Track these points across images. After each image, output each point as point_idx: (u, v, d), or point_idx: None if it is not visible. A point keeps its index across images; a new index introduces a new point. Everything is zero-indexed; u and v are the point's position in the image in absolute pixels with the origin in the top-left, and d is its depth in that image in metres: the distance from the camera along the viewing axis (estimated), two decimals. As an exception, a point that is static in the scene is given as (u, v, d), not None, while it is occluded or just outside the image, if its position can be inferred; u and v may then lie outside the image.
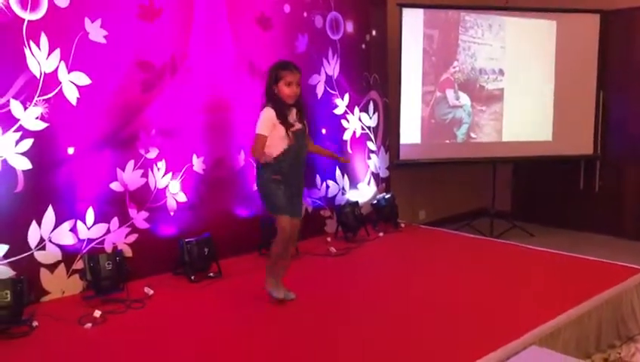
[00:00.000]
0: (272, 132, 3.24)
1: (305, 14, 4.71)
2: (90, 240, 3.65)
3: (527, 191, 6.68)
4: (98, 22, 3.58)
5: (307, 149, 3.45)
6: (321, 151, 3.92)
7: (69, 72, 3.48)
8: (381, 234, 4.99)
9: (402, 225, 5.24)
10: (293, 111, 3.33)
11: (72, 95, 3.51)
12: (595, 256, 4.27)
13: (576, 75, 5.81)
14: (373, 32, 5.28)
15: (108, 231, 3.73)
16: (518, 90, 5.76)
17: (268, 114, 3.24)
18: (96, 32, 3.58)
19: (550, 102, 5.83)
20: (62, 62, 3.45)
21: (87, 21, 3.53)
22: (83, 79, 3.54)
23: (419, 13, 5.40)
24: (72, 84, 3.50)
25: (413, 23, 5.38)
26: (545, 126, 5.86)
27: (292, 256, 3.58)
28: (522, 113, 5.80)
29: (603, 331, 3.34)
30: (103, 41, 3.61)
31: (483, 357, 2.62)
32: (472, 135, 5.70)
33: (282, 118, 3.25)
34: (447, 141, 5.63)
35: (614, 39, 5.79)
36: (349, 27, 5.06)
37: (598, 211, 6.07)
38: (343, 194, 5.13)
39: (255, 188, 3.50)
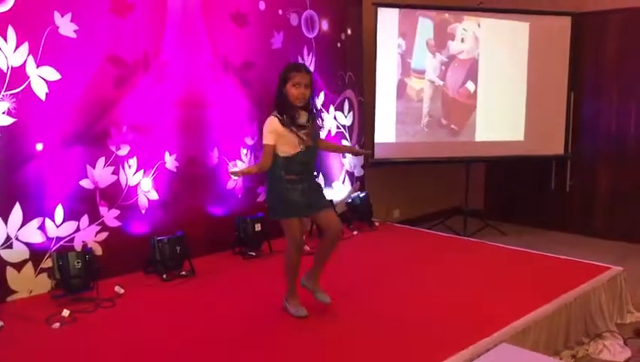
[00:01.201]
0: (279, 140, 3.10)
1: (280, 12, 4.69)
2: (59, 239, 3.58)
3: (500, 191, 6.76)
4: (68, 16, 3.51)
5: (317, 151, 3.31)
6: (336, 148, 3.88)
7: (37, 67, 3.41)
8: (355, 232, 5.00)
9: (377, 223, 5.26)
10: (303, 113, 3.17)
11: (40, 90, 3.44)
12: (566, 254, 4.34)
13: (548, 76, 5.89)
14: (349, 31, 5.29)
15: (77, 229, 3.66)
16: (491, 90, 5.81)
17: (269, 123, 3.11)
18: (66, 26, 3.51)
19: (522, 103, 5.91)
20: (30, 56, 3.37)
21: (56, 15, 3.46)
22: (52, 74, 3.48)
23: (394, 12, 5.42)
24: (40, 78, 3.43)
25: (388, 22, 5.39)
26: (517, 126, 5.94)
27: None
28: (495, 113, 5.86)
29: (572, 328, 3.39)
30: (74, 35, 3.55)
31: (454, 355, 2.64)
32: (443, 121, 5.71)
33: (290, 121, 3.10)
34: (421, 134, 5.66)
35: (585, 41, 5.89)
36: (325, 25, 5.06)
37: (569, 210, 6.17)
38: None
39: (265, 193, 3.34)
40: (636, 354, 3.34)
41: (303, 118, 3.16)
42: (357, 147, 5.45)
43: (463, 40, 5.71)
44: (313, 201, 3.21)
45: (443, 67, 5.66)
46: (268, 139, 3.11)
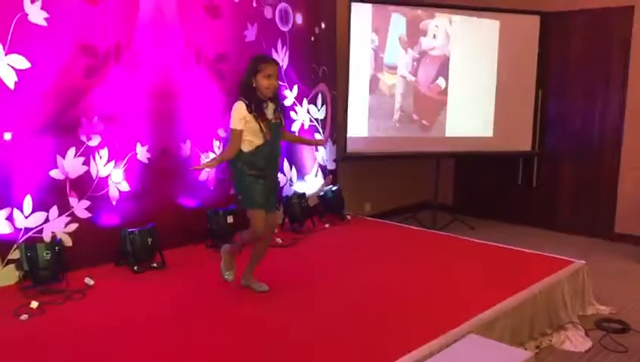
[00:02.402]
0: (245, 126, 3.17)
1: (254, 4, 4.68)
2: (27, 229, 3.53)
3: (469, 186, 6.88)
4: (38, 3, 3.45)
5: (279, 146, 3.39)
6: (295, 139, 3.90)
7: (6, 55, 3.35)
8: (327, 225, 5.05)
9: (348, 216, 5.31)
10: (270, 105, 3.25)
11: (9, 79, 3.37)
12: (531, 248, 4.45)
13: (517, 73, 6.02)
14: (323, 25, 5.31)
15: (47, 220, 3.62)
16: (462, 86, 5.91)
17: (237, 108, 3.18)
18: (36, 13, 3.45)
19: (492, 100, 6.02)
20: (-2, 44, 3.31)
21: (26, 2, 3.40)
22: (22, 62, 3.41)
23: (367, 7, 5.46)
24: (9, 67, 3.37)
25: (361, 17, 5.43)
26: (486, 122, 6.05)
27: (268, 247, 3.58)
28: (465, 109, 5.96)
29: (536, 320, 3.49)
30: (44, 23, 3.48)
31: (423, 346, 2.69)
32: (415, 116, 5.78)
33: (257, 111, 3.18)
34: (393, 129, 5.72)
35: (553, 40, 6.03)
36: (299, 19, 5.06)
37: (536, 205, 6.32)
38: (290, 185, 5.14)
39: (230, 181, 3.44)
40: (597, 345, 3.45)
41: (269, 109, 3.24)
42: (329, 141, 5.49)
43: (434, 36, 5.78)
44: (270, 200, 3.34)
45: (415, 63, 5.73)
46: (236, 124, 3.17)
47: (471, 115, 6.01)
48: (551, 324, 3.60)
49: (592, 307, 3.99)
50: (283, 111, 3.41)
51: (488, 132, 6.06)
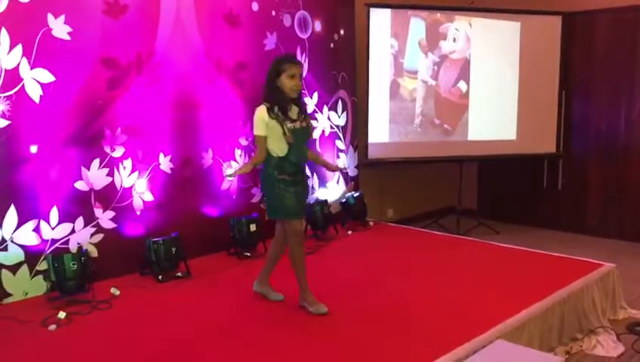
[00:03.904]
0: (268, 131, 3.12)
1: (273, 13, 4.70)
2: (54, 241, 3.58)
3: (493, 190, 6.80)
4: (62, 18, 3.51)
5: (306, 150, 3.31)
6: (316, 159, 3.64)
7: (31, 69, 3.41)
8: (350, 232, 5.02)
9: (371, 223, 5.28)
10: (294, 107, 3.20)
11: (34, 92, 3.44)
12: (558, 252, 4.37)
13: (539, 75, 5.94)
14: (342, 32, 5.31)
15: (73, 231, 3.66)
16: (483, 89, 5.85)
17: (258, 113, 3.14)
18: (59, 28, 3.51)
19: (514, 102, 5.95)
20: (24, 58, 3.37)
21: (50, 17, 3.46)
22: (46, 76, 3.47)
23: (386, 12, 5.45)
24: (34, 81, 3.43)
25: (380, 23, 5.42)
26: (509, 125, 5.98)
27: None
28: (487, 112, 5.90)
29: (565, 325, 3.42)
30: (67, 37, 3.54)
31: (450, 351, 2.66)
32: (436, 121, 5.75)
33: (282, 112, 3.13)
34: (414, 134, 5.69)
35: (575, 40, 5.94)
36: (318, 26, 5.07)
37: (561, 208, 6.22)
38: (312, 192, 5.14)
39: (260, 191, 3.34)
40: (629, 349, 3.37)
41: (293, 112, 3.20)
42: (351, 148, 5.48)
43: (454, 40, 5.74)
44: (303, 207, 3.30)
45: (435, 67, 5.69)
46: (259, 130, 3.13)
47: (493, 118, 5.94)
48: (581, 329, 3.53)
49: (624, 311, 3.90)
50: (307, 113, 3.30)
51: (511, 135, 5.99)
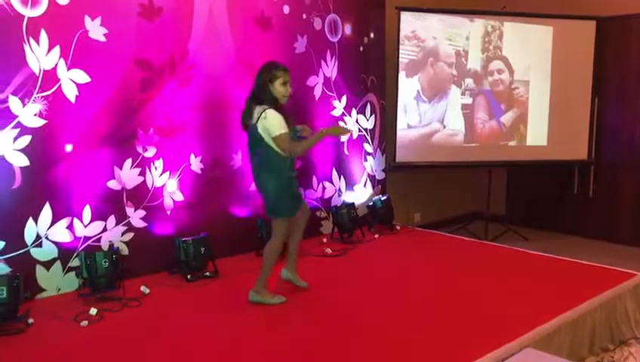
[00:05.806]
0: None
1: (304, 16, 4.73)
2: (86, 238, 3.65)
3: (522, 195, 6.71)
4: (98, 20, 3.58)
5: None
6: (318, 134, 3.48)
7: (68, 70, 3.49)
8: (376, 235, 5.01)
9: (397, 227, 5.26)
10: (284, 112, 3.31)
11: (71, 92, 3.51)
12: (589, 260, 4.30)
13: (571, 80, 5.85)
14: (371, 35, 5.31)
15: (104, 229, 3.73)
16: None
17: (274, 114, 3.21)
18: (96, 29, 3.58)
19: (546, 107, 5.87)
20: (61, 59, 3.45)
21: (87, 19, 3.54)
22: (82, 77, 3.55)
23: (417, 16, 5.43)
24: (71, 81, 3.51)
25: (410, 27, 5.40)
26: (540, 131, 5.90)
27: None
28: (518, 118, 5.83)
29: (597, 335, 3.36)
30: (103, 39, 3.62)
31: (478, 359, 2.63)
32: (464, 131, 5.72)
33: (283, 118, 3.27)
34: (440, 140, 5.65)
35: (609, 45, 5.83)
36: (348, 29, 5.08)
37: (592, 216, 6.11)
38: (339, 195, 5.14)
39: (262, 190, 3.41)
40: (662, 362, 3.30)
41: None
42: (378, 151, 5.47)
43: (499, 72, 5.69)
44: (298, 202, 3.46)
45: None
46: (284, 127, 3.22)
47: (524, 123, 5.87)
48: (613, 339, 3.46)
49: (657, 322, 3.81)
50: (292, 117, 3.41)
51: (542, 140, 5.91)
